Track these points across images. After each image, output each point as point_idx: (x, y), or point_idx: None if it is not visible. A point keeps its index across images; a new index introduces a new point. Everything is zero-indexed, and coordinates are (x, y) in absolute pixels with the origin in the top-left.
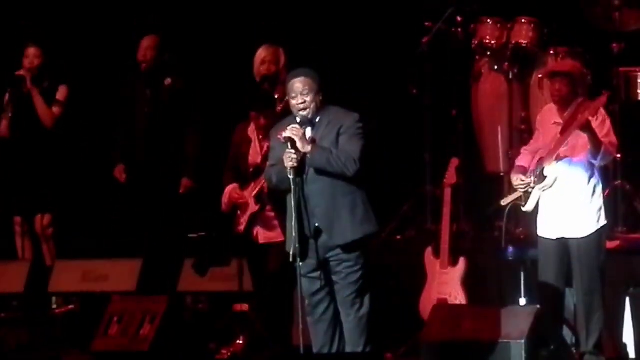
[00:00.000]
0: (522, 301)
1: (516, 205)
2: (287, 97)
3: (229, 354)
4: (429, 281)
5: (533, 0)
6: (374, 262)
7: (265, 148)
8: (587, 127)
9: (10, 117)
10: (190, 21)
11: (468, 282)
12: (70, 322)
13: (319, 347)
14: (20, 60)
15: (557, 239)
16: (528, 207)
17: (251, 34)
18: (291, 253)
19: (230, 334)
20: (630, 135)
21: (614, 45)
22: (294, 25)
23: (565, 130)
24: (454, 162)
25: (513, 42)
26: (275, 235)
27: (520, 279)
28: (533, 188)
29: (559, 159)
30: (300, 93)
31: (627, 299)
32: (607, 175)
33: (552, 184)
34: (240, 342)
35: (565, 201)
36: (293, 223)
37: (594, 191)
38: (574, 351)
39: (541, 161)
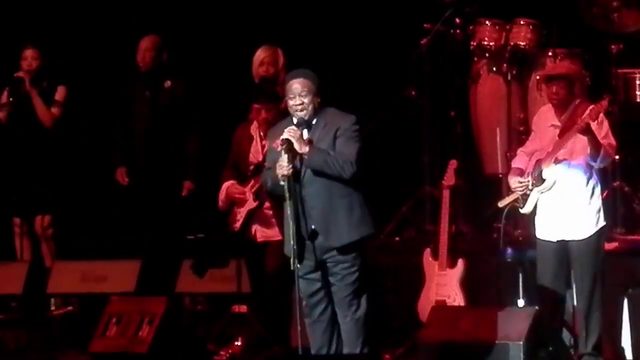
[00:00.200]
0: (521, 302)
1: (514, 207)
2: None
3: (227, 355)
4: (428, 282)
5: (531, 2)
6: (372, 263)
7: (266, 146)
8: (587, 131)
9: (8, 116)
10: (189, 22)
11: (466, 284)
12: (68, 323)
13: (317, 348)
14: (18, 62)
15: (557, 241)
16: (526, 209)
17: (251, 35)
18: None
19: (228, 335)
20: (629, 136)
21: (613, 46)
22: (293, 26)
23: (564, 133)
24: (453, 163)
25: (512, 43)
26: (273, 234)
27: (519, 280)
28: (531, 190)
29: (557, 161)
30: (298, 94)
31: (625, 300)
32: (606, 177)
33: (551, 187)
34: (239, 343)
35: (565, 203)
36: (290, 225)
37: (592, 193)
38: (573, 352)
39: (539, 163)
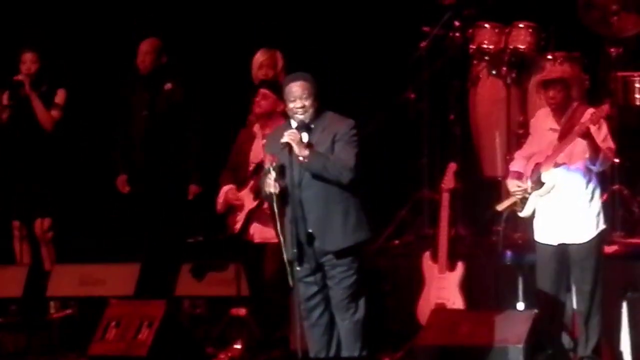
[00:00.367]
0: (520, 306)
1: (513, 211)
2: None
3: (226, 358)
4: (427, 286)
5: (531, 5)
6: (371, 266)
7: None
8: (587, 135)
9: (8, 119)
10: (188, 24)
11: (466, 287)
12: (68, 326)
13: (315, 351)
14: (17, 65)
15: (557, 245)
16: (525, 213)
17: (250, 37)
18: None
19: (227, 339)
20: (628, 139)
21: (612, 50)
22: (293, 29)
23: (563, 137)
24: (452, 166)
25: (511, 46)
26: (271, 236)
27: (518, 284)
28: (530, 194)
29: (556, 165)
30: (299, 97)
31: (624, 304)
32: (605, 180)
33: (550, 190)
34: (238, 346)
35: (564, 207)
36: (289, 229)
37: (592, 196)
38: (572, 356)
39: (538, 167)
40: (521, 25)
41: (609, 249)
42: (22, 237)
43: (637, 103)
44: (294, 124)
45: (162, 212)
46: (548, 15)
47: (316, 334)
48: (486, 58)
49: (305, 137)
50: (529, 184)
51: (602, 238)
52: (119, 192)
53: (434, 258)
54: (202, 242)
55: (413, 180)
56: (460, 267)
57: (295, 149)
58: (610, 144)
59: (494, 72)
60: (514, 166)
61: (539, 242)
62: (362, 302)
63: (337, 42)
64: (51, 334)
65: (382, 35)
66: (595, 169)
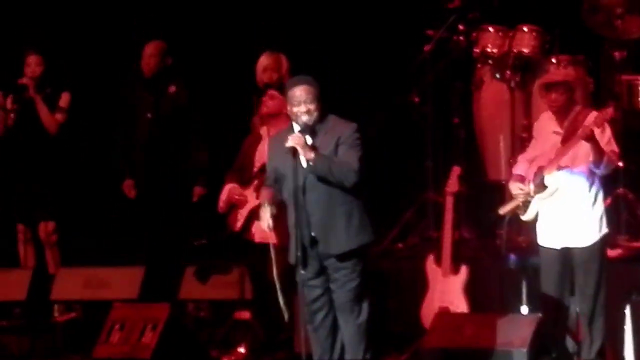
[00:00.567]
0: (524, 309)
1: (516, 214)
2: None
3: None
4: (431, 289)
5: (535, 9)
6: (375, 269)
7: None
8: (590, 137)
9: (14, 123)
10: (193, 27)
11: (470, 290)
12: (72, 329)
13: (319, 354)
14: (21, 68)
15: (560, 248)
16: (527, 216)
17: (254, 40)
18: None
19: (232, 342)
20: (632, 143)
21: (616, 53)
22: (297, 32)
23: (566, 140)
24: (456, 169)
25: (515, 50)
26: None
27: (522, 287)
28: (533, 197)
29: (560, 168)
30: (303, 101)
31: (628, 307)
32: (609, 184)
33: (553, 194)
34: (242, 349)
35: (567, 210)
36: (293, 231)
37: (595, 199)
38: (576, 359)
39: (541, 170)
40: (525, 29)
41: (613, 253)
42: (26, 240)
43: None
44: (296, 127)
45: (166, 214)
46: (552, 19)
47: (320, 336)
48: (490, 61)
49: (309, 140)
50: (531, 187)
51: (605, 241)
52: (124, 195)
53: (438, 261)
54: (206, 245)
55: (417, 183)
56: (464, 270)
57: (301, 152)
58: (614, 147)
59: (498, 75)
60: (517, 169)
61: (542, 246)
62: (365, 305)
63: (341, 45)
64: (55, 337)
65: (387, 38)
66: (598, 172)
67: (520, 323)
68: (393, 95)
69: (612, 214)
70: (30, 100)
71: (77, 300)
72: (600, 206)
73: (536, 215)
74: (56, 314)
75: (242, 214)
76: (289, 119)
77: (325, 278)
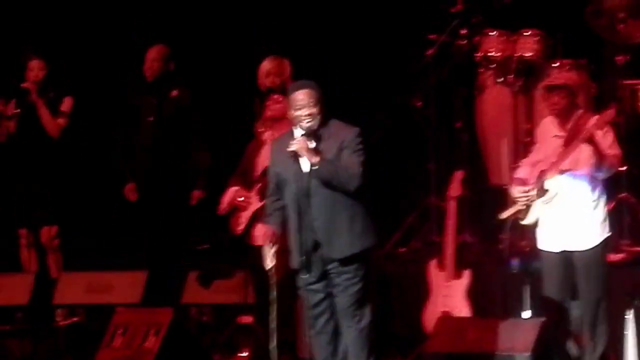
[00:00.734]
0: (527, 313)
1: (517, 218)
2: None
3: None
4: (433, 293)
5: (538, 13)
6: (378, 273)
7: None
8: (592, 140)
9: (16, 127)
10: (195, 31)
11: (472, 294)
12: (74, 334)
13: (322, 359)
14: (23, 72)
15: (561, 252)
16: (528, 220)
17: (257, 44)
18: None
19: (234, 346)
20: (635, 147)
21: (619, 57)
22: (299, 37)
23: (568, 143)
24: (458, 174)
25: (517, 54)
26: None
27: (525, 291)
28: (534, 201)
29: (561, 171)
30: (305, 105)
31: (631, 312)
32: (612, 188)
33: (554, 197)
34: (245, 354)
35: (569, 214)
36: (295, 236)
37: (597, 203)
38: None
39: (543, 174)
40: (528, 33)
41: (616, 257)
42: (28, 244)
43: None
44: (297, 132)
45: (168, 218)
46: (555, 23)
47: (322, 342)
48: (493, 66)
49: (312, 144)
50: (533, 191)
51: (606, 245)
52: (127, 199)
53: (441, 265)
54: (209, 250)
55: (420, 187)
56: (466, 274)
57: (305, 156)
58: (616, 150)
59: (500, 79)
60: (519, 173)
61: (542, 250)
62: (367, 309)
63: (344, 49)
64: (58, 341)
65: (389, 43)
66: (600, 175)
67: (523, 328)
68: (395, 99)
69: (615, 218)
70: (33, 105)
71: (80, 304)
72: (601, 210)
73: (537, 220)
74: (58, 319)
75: (245, 217)
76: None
77: (327, 282)
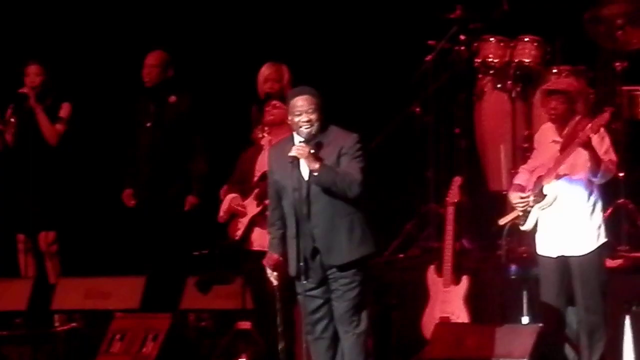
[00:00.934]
0: (525, 319)
1: (515, 224)
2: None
3: None
4: (432, 299)
5: (536, 19)
6: (376, 280)
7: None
8: (587, 145)
9: (14, 133)
10: (194, 38)
11: (471, 301)
12: (73, 339)
13: None
14: (22, 78)
15: (557, 257)
16: (526, 226)
17: (256, 51)
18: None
19: (233, 352)
20: (633, 154)
21: (617, 63)
22: (298, 43)
23: (565, 148)
24: (457, 180)
25: (516, 60)
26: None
27: (523, 298)
28: (532, 207)
29: (558, 177)
30: (305, 111)
31: (628, 317)
32: (610, 194)
33: (552, 203)
34: (243, 359)
35: (565, 219)
36: (293, 242)
37: (593, 209)
38: None
39: (540, 179)
40: (526, 39)
41: (614, 263)
42: (26, 250)
43: None
44: (297, 138)
45: (167, 224)
46: (553, 29)
47: (320, 348)
48: (491, 72)
49: (313, 151)
50: (531, 197)
51: (602, 251)
52: (125, 205)
53: (439, 272)
54: (207, 255)
55: (419, 194)
56: (465, 281)
57: (305, 162)
58: (613, 156)
59: (499, 85)
60: (517, 179)
61: (540, 255)
62: (365, 315)
63: (342, 56)
64: (56, 347)
65: (388, 49)
66: (596, 180)
67: (521, 334)
68: (394, 105)
69: (613, 224)
70: (31, 111)
71: (78, 310)
72: (598, 215)
73: (535, 225)
74: (57, 324)
75: (243, 223)
76: (291, 128)
77: (326, 288)
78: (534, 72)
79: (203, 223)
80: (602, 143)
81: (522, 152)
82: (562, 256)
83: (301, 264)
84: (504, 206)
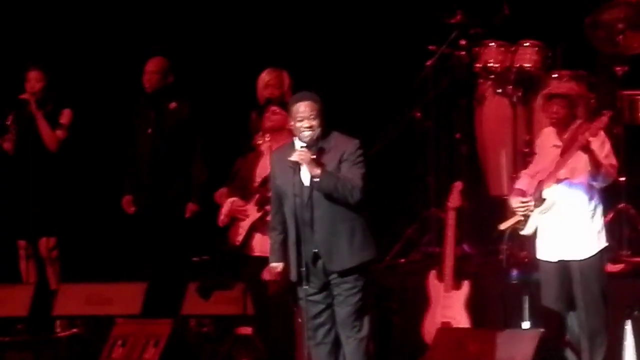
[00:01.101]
0: (526, 324)
1: (516, 229)
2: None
3: None
4: (433, 304)
5: (537, 24)
6: (378, 285)
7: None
8: (587, 148)
9: (15, 140)
10: (194, 44)
11: (472, 306)
12: (74, 345)
13: None
14: (22, 84)
15: (558, 261)
16: (527, 230)
17: (256, 56)
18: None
19: (234, 357)
20: (634, 158)
21: (618, 68)
22: (298, 48)
23: (565, 152)
24: (458, 185)
25: (517, 65)
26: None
27: (524, 302)
28: (532, 211)
29: (558, 181)
30: (307, 117)
31: (629, 322)
32: (611, 199)
33: (550, 207)
34: None
35: (565, 223)
36: (294, 248)
37: (594, 213)
38: None
39: (541, 184)
40: (527, 44)
41: (615, 268)
42: (27, 256)
43: None
44: (298, 143)
45: (168, 230)
46: (554, 34)
47: (322, 353)
48: (492, 77)
49: (314, 156)
50: (531, 202)
51: (603, 255)
52: (125, 211)
53: (440, 277)
54: (209, 261)
55: (420, 199)
56: (466, 285)
57: (307, 168)
58: (613, 160)
59: (499, 90)
60: (519, 184)
61: (540, 260)
62: (366, 320)
63: (343, 61)
64: (57, 352)
65: (388, 54)
66: (596, 184)
67: (522, 339)
68: (395, 110)
69: (614, 229)
70: (31, 117)
71: (79, 316)
72: (599, 220)
73: (535, 230)
74: (58, 330)
75: (243, 228)
76: (291, 133)
77: (327, 293)
78: (534, 77)
79: (203, 229)
80: (603, 147)
81: (522, 156)
82: (563, 260)
83: (302, 269)
84: (505, 211)
